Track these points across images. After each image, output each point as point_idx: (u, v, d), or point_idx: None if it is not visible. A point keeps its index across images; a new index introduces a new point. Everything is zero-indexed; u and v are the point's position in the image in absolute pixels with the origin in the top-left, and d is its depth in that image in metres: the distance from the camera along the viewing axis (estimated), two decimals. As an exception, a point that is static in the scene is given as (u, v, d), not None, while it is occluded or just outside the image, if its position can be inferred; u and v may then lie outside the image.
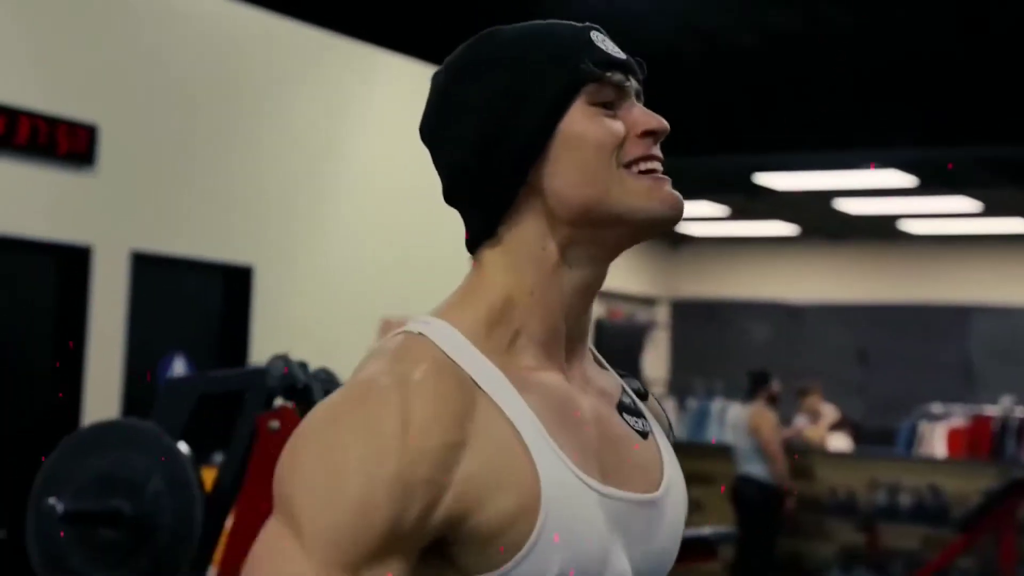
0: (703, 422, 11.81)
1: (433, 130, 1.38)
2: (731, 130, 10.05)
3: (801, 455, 9.60)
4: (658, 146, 1.35)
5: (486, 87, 1.33)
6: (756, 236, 16.18)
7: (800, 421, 11.23)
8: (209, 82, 7.33)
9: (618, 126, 1.32)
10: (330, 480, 1.17)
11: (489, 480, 1.21)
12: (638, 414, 1.42)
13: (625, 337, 12.87)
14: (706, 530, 5.15)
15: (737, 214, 14.41)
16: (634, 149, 1.33)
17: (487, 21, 1.45)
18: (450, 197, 1.38)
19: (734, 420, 9.76)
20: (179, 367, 7.02)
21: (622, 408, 1.40)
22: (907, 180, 11.20)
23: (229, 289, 7.54)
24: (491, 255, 1.35)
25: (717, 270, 17.05)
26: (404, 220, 8.43)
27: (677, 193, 1.34)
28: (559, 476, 1.25)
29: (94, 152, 6.59)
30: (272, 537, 1.19)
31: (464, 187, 1.35)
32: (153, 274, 6.96)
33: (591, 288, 1.36)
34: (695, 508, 9.57)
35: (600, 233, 1.33)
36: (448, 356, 1.26)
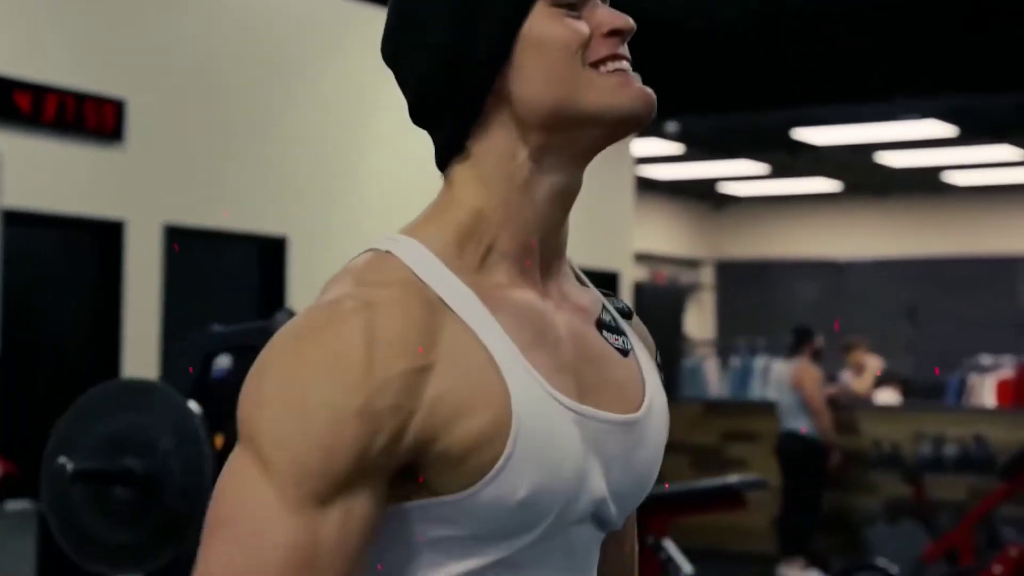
0: (746, 379, 11.75)
1: (395, 48, 1.34)
2: (768, 85, 9.95)
3: (846, 409, 9.54)
4: (625, 45, 1.31)
5: None
6: (799, 194, 16.06)
7: (845, 375, 11.17)
8: (237, 53, 7.35)
9: (582, 26, 1.28)
10: (295, 414, 1.15)
11: (458, 402, 1.18)
12: (618, 331, 1.38)
13: (665, 299, 12.80)
14: (733, 478, 5.12)
15: (778, 172, 14.30)
16: (600, 48, 1.28)
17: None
18: (417, 115, 1.35)
19: (778, 376, 9.72)
20: (215, 338, 7.06)
21: (601, 325, 1.37)
22: (948, 130, 11.07)
23: (263, 260, 7.58)
24: (460, 171, 1.33)
25: (761, 230, 16.95)
26: (437, 189, 8.40)
27: (648, 89, 1.30)
28: (532, 395, 1.22)
29: (122, 127, 6.63)
30: (239, 470, 1.18)
31: (430, 103, 1.32)
32: (186, 246, 7.00)
33: (566, 196, 1.32)
34: (741, 465, 9.58)
35: (572, 135, 1.29)
36: (416, 275, 1.24)
